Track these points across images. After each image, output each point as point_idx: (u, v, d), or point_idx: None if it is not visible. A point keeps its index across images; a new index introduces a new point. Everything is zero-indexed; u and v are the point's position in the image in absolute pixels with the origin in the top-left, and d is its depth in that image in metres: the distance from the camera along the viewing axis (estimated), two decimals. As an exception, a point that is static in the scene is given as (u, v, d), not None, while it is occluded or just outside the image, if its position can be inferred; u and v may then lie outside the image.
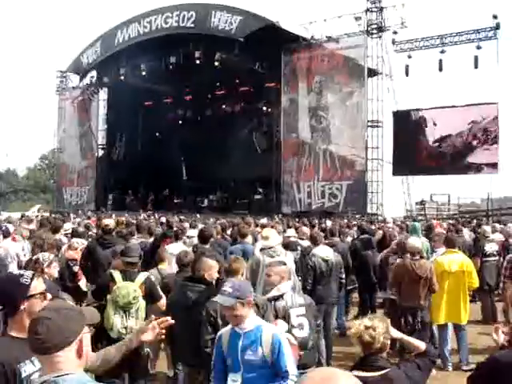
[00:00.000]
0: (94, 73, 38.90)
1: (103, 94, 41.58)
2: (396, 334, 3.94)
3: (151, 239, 10.62)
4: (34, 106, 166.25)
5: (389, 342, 3.64)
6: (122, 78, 35.33)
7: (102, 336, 5.59)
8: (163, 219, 20.60)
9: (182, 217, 22.51)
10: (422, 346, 3.87)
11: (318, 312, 7.93)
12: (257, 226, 14.19)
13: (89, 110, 41.23)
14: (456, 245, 9.07)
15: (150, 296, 6.15)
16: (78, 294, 8.28)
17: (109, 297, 5.84)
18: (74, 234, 10.84)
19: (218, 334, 4.62)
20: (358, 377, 3.12)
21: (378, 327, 3.54)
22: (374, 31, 29.62)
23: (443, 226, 16.59)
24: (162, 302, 6.25)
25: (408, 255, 8.18)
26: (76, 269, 8.67)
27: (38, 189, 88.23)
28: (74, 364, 2.42)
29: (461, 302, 8.63)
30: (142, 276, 6.20)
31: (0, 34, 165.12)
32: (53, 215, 28.25)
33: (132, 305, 5.79)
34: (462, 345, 8.79)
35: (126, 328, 5.71)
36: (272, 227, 11.62)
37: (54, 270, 6.05)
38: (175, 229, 11.75)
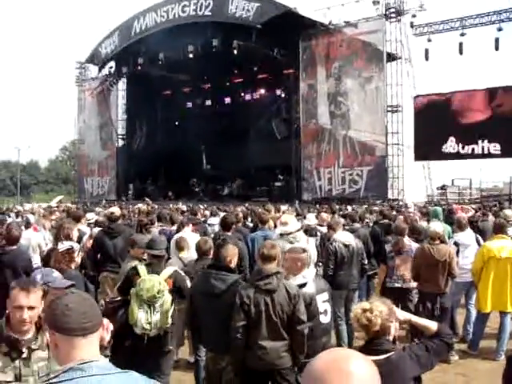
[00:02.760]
0: (112, 63, 39.12)
1: (122, 85, 41.83)
2: (403, 315, 3.88)
3: (173, 227, 10.69)
4: (54, 97, 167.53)
5: (392, 324, 3.54)
6: (140, 67, 35.53)
7: (127, 332, 5.64)
8: (184, 207, 20.67)
9: (201, 205, 22.60)
10: (433, 326, 3.77)
11: (340, 298, 7.96)
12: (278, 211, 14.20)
13: (108, 100, 41.40)
14: (503, 231, 8.58)
15: (178, 292, 6.03)
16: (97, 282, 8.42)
17: (132, 290, 5.74)
18: (97, 223, 10.94)
19: None
20: None
21: (376, 310, 3.46)
22: (393, 15, 29.37)
23: (469, 210, 16.39)
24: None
25: (427, 240, 8.13)
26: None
27: (60, 180, 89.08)
28: (98, 350, 2.38)
29: (508, 290, 8.18)
30: (169, 269, 6.10)
31: (21, 27, 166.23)
32: (74, 205, 28.51)
33: (157, 299, 5.66)
34: (503, 334, 8.29)
35: (150, 324, 5.62)
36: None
37: (78, 259, 6.12)
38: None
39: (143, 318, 5.62)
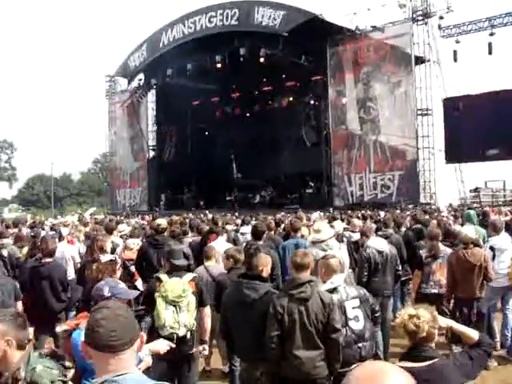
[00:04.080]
0: (141, 75, 39.55)
1: (151, 96, 42.20)
2: (445, 321, 3.86)
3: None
4: (86, 111, 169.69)
5: (436, 331, 3.52)
6: (169, 78, 35.80)
7: (153, 339, 5.65)
8: (210, 216, 20.75)
9: (229, 214, 22.64)
10: (474, 335, 3.74)
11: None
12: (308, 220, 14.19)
13: (138, 112, 41.83)
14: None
15: (199, 297, 5.99)
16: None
17: (157, 294, 5.73)
18: (131, 234, 11.03)
19: None
20: (404, 367, 3.10)
21: (423, 316, 3.46)
22: (420, 18, 29.15)
23: (507, 213, 16.17)
24: (207, 311, 6.14)
25: (461, 245, 8.01)
26: (133, 269, 8.81)
27: (93, 192, 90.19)
28: (134, 363, 2.43)
29: None
30: (189, 274, 6.11)
31: (52, 44, 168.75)
32: (107, 217, 28.76)
33: (182, 298, 5.68)
34: None
35: (178, 322, 5.63)
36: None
37: (119, 272, 6.18)
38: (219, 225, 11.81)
39: (170, 318, 5.62)
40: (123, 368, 2.33)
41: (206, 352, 6.33)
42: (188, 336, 5.74)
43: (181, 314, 5.67)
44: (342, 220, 14.64)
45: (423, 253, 8.74)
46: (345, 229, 11.54)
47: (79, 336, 3.85)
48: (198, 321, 5.91)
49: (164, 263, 6.93)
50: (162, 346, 3.71)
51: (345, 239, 9.92)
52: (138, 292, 4.61)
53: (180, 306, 5.68)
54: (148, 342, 5.39)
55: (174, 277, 5.92)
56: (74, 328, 4.02)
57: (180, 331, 5.65)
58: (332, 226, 11.00)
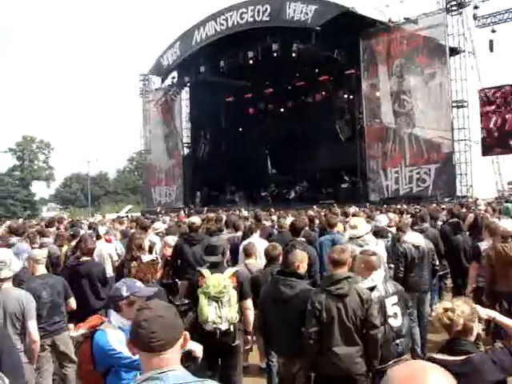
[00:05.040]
0: (174, 73, 39.68)
1: (185, 94, 42.41)
2: (487, 313, 3.78)
3: (238, 234, 10.75)
4: (120, 110, 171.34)
5: (475, 324, 3.45)
6: (202, 76, 35.91)
7: (196, 333, 5.71)
8: (245, 213, 20.77)
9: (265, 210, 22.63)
10: None
11: (412, 300, 7.84)
12: (345, 215, 14.12)
13: (172, 110, 42.10)
14: None
15: (240, 291, 6.12)
16: (174, 290, 8.56)
17: (199, 290, 5.90)
18: (167, 232, 11.12)
19: None
20: (439, 359, 3.08)
21: (459, 309, 3.40)
22: (454, 8, 28.76)
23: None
24: (249, 304, 6.23)
25: (499, 238, 7.91)
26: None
27: (128, 190, 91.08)
28: (178, 360, 2.50)
29: None
30: (231, 269, 6.26)
31: (88, 44, 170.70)
32: (145, 215, 29.04)
33: (224, 294, 5.83)
34: None
35: (220, 317, 5.79)
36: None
37: (159, 272, 6.28)
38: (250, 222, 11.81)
39: (213, 313, 5.79)
40: (166, 365, 2.41)
41: (250, 344, 6.45)
42: (231, 329, 5.92)
43: (223, 309, 5.83)
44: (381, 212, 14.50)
45: (483, 245, 8.59)
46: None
47: (103, 336, 3.94)
48: (240, 314, 6.05)
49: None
50: (197, 349, 3.76)
51: (390, 234, 9.83)
52: (156, 289, 4.69)
53: (222, 301, 5.85)
54: (191, 335, 5.51)
55: (216, 272, 6.06)
56: (92, 330, 4.08)
57: (223, 326, 5.82)
58: (376, 221, 10.99)
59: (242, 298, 6.12)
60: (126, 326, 4.05)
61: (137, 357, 3.70)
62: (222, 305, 5.83)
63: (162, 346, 2.42)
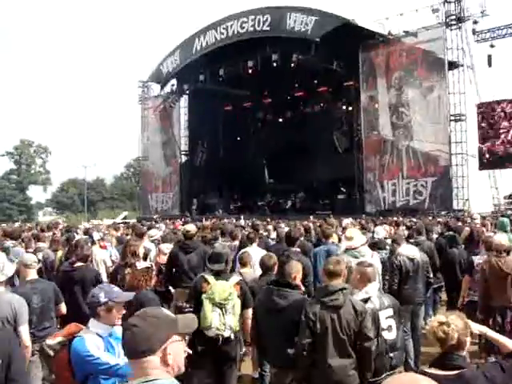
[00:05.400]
0: (174, 81, 39.83)
1: (184, 101, 42.51)
2: (479, 328, 3.78)
3: (235, 243, 10.72)
4: (119, 116, 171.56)
5: (468, 339, 3.42)
6: (202, 84, 35.98)
7: (198, 339, 5.70)
8: (242, 222, 20.70)
9: (258, 220, 22.61)
10: (509, 344, 3.63)
11: (406, 312, 7.82)
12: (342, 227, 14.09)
13: (171, 117, 42.17)
14: None
15: (243, 300, 6.12)
16: (167, 298, 8.51)
17: (204, 296, 5.88)
18: (163, 239, 11.09)
19: None
20: (431, 374, 3.06)
21: (453, 323, 3.37)
22: (453, 22, 28.87)
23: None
24: (250, 313, 6.16)
25: (494, 253, 7.89)
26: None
27: (125, 196, 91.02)
28: (162, 370, 2.45)
29: None
30: (235, 277, 6.26)
31: (86, 50, 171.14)
32: (141, 221, 28.97)
33: (228, 301, 5.84)
34: None
35: (224, 324, 5.77)
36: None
37: (154, 280, 6.24)
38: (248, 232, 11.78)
39: (217, 320, 5.78)
40: (149, 374, 2.41)
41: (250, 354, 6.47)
42: (232, 337, 5.92)
43: (227, 316, 5.84)
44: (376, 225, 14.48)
45: (476, 259, 8.58)
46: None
47: (81, 343, 3.90)
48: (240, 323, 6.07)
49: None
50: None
51: (388, 247, 9.78)
52: (133, 294, 4.65)
53: (226, 308, 5.85)
54: (192, 341, 5.49)
55: (221, 279, 6.06)
56: (70, 337, 4.02)
57: (225, 332, 5.81)
58: (374, 232, 10.95)
59: (244, 306, 6.13)
60: (105, 332, 4.04)
61: (114, 362, 3.71)
62: (226, 312, 5.83)
63: (133, 353, 2.46)
